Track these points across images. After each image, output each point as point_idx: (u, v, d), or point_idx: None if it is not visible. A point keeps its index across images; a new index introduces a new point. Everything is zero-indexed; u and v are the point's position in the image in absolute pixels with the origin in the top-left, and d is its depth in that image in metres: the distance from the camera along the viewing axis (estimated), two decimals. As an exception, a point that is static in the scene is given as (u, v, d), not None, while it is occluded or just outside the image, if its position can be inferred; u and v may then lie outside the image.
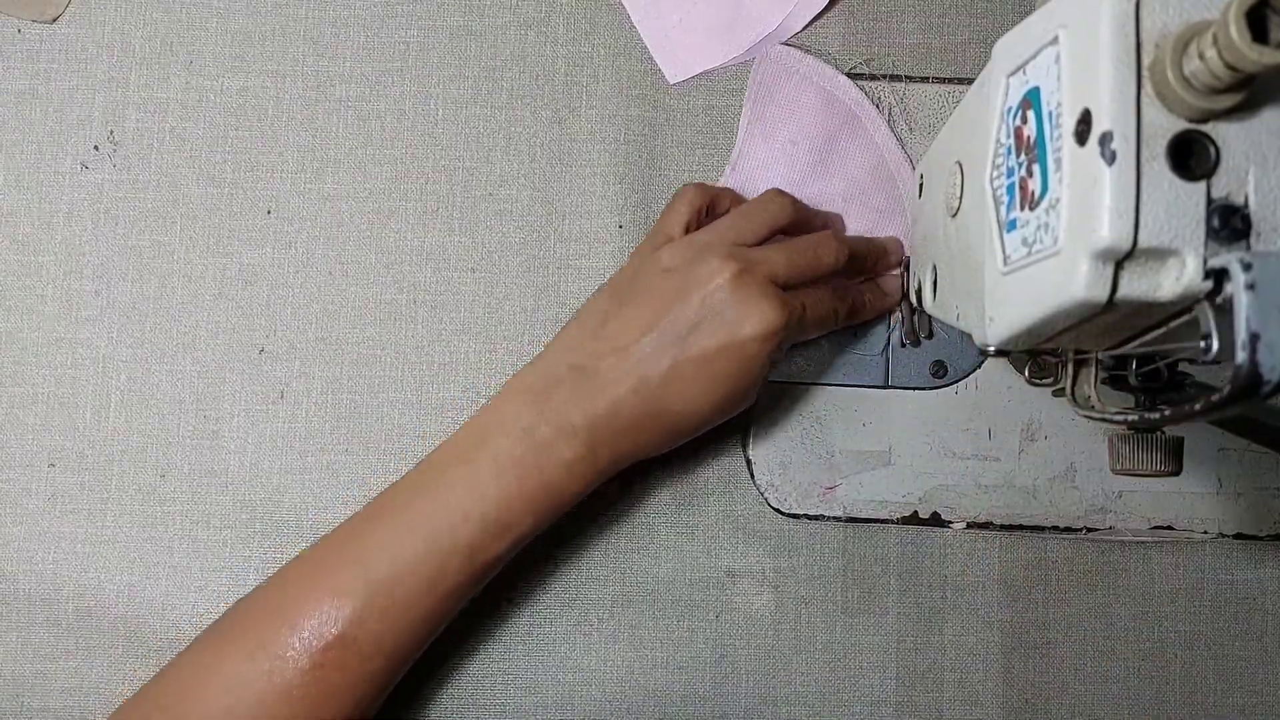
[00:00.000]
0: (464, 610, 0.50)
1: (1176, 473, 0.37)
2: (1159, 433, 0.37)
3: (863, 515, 0.50)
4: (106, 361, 0.51)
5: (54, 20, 0.52)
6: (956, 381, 0.50)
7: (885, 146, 0.51)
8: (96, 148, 0.52)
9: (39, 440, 0.50)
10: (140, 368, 0.51)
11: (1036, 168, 0.31)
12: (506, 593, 0.50)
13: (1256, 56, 0.25)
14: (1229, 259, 0.27)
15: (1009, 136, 0.33)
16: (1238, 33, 0.25)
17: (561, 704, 0.50)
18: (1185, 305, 0.29)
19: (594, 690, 0.50)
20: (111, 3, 0.52)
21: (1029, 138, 0.31)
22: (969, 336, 0.37)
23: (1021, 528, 0.50)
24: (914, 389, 0.51)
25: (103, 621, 0.49)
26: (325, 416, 0.51)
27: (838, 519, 0.50)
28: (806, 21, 0.52)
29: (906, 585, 0.51)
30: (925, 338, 0.50)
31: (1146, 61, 0.28)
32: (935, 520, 0.50)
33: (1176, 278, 0.28)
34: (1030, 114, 0.31)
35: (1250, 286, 0.26)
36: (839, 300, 0.47)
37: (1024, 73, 0.32)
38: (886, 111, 0.52)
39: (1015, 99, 0.32)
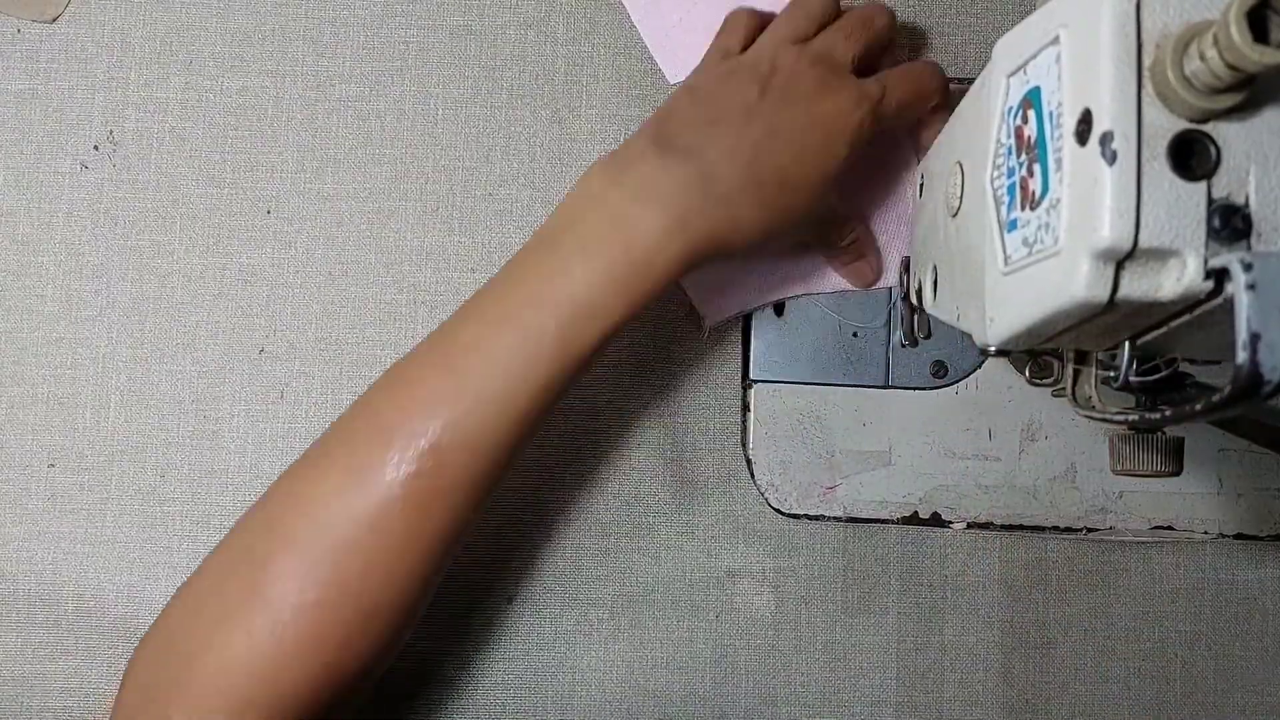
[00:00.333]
0: (464, 610, 0.50)
1: (1177, 473, 0.37)
2: (1159, 433, 0.37)
3: (863, 515, 0.50)
4: (106, 361, 0.51)
5: (54, 20, 0.52)
6: (957, 381, 0.50)
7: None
8: (96, 148, 0.52)
9: (39, 440, 0.50)
10: (140, 368, 0.51)
11: (1037, 167, 0.31)
12: (506, 592, 0.50)
13: (1257, 56, 0.25)
14: (1229, 259, 0.26)
15: (1009, 136, 0.33)
16: (1238, 33, 0.25)
17: (561, 704, 0.50)
18: (1186, 305, 0.29)
19: (594, 690, 0.50)
20: (111, 3, 0.52)
21: (1029, 138, 0.31)
22: (969, 336, 0.37)
23: (1022, 528, 0.50)
24: (914, 389, 0.50)
25: (103, 621, 0.49)
26: (325, 416, 0.51)
27: (838, 519, 0.50)
28: (807, 21, 0.52)
29: (907, 585, 0.51)
30: (924, 338, 0.50)
31: (1147, 61, 0.28)
32: (935, 520, 0.50)
33: (1177, 278, 0.28)
34: (1031, 114, 0.31)
35: (1251, 286, 0.26)
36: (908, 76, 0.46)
37: (1024, 72, 0.32)
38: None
39: (1016, 99, 0.32)
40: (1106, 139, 0.27)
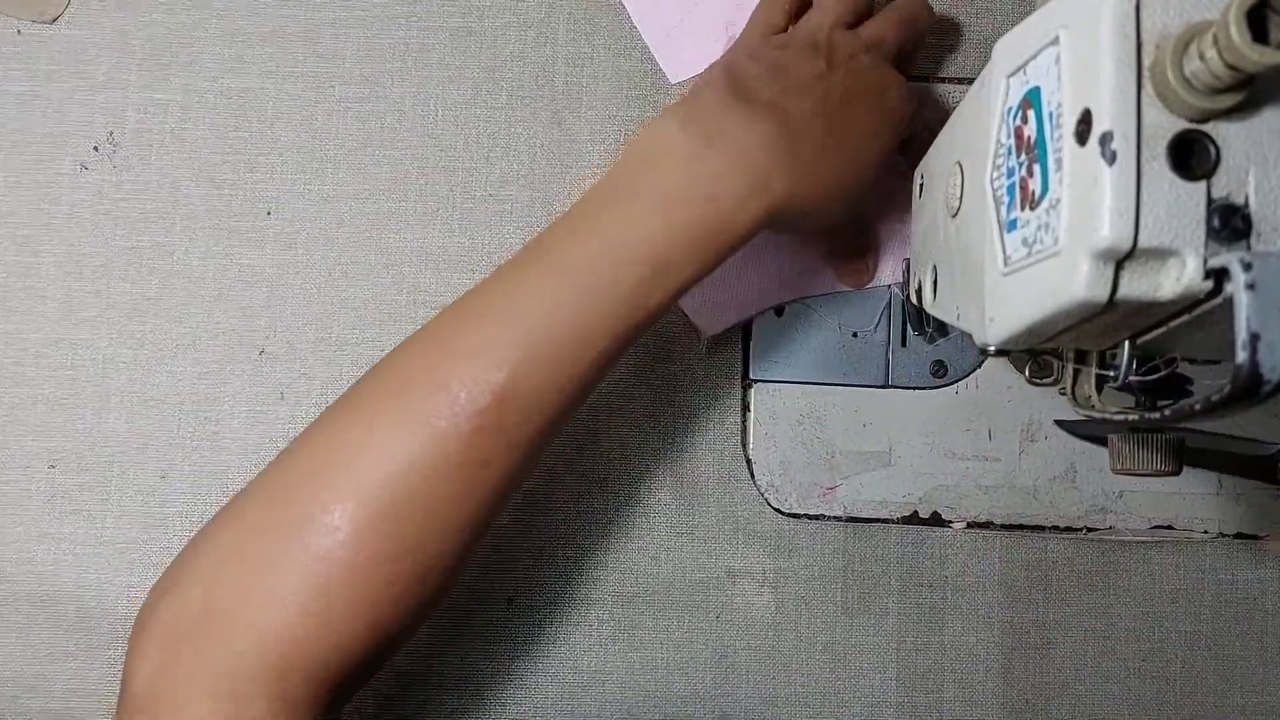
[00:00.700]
0: (464, 610, 0.50)
1: (1176, 472, 0.37)
2: (1159, 433, 0.37)
3: (863, 515, 0.50)
4: (106, 362, 0.51)
5: (54, 20, 0.52)
6: (956, 381, 0.50)
7: None
8: (96, 148, 0.52)
9: (39, 441, 0.50)
10: (140, 368, 0.51)
11: (1037, 168, 0.31)
12: (506, 593, 0.50)
13: (1257, 57, 0.25)
14: (1229, 259, 0.27)
15: (1009, 136, 0.33)
16: (1238, 33, 0.25)
17: (561, 704, 0.50)
18: (1185, 305, 0.29)
19: (594, 690, 0.50)
20: (111, 3, 0.52)
21: (1029, 138, 0.31)
22: (969, 336, 0.37)
23: (1022, 528, 0.50)
24: (914, 389, 0.51)
25: (103, 622, 0.49)
26: (325, 417, 0.51)
27: (838, 519, 0.50)
28: (806, 21, 0.52)
29: (906, 585, 0.51)
30: (937, 333, 0.50)
31: (1147, 62, 0.28)
32: (935, 520, 0.50)
33: (1177, 278, 0.28)
34: (1030, 114, 0.31)
35: (1250, 286, 0.26)
36: None
37: (1024, 73, 0.32)
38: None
39: (1015, 99, 0.32)
40: (1106, 139, 0.27)
